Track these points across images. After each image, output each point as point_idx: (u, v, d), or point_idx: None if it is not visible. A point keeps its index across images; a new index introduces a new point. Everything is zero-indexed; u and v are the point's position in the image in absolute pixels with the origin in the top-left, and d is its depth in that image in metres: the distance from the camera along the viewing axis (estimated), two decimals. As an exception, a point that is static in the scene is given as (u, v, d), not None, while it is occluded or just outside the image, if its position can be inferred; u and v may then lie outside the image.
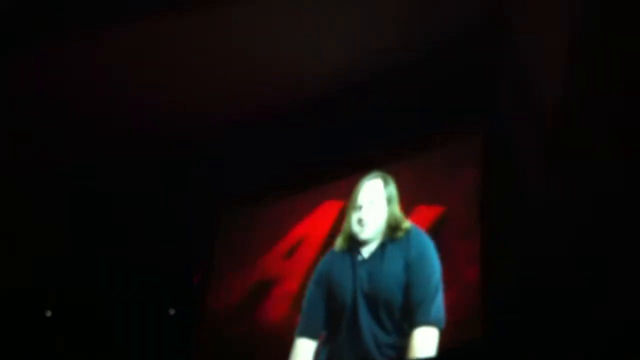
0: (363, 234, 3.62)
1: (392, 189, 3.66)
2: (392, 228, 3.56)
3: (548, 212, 3.39)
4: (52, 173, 4.53)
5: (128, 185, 4.57)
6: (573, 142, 3.12)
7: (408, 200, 3.65)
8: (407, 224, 3.55)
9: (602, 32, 2.71)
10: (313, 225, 3.94)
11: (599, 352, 3.26)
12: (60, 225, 4.75)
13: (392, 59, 3.70)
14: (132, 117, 4.25)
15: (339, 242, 3.70)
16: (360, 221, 3.64)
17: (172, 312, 4.47)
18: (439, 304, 3.29)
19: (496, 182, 3.50)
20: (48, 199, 4.66)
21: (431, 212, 3.58)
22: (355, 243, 3.63)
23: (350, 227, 3.67)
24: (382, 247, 3.56)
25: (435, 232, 3.51)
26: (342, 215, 3.79)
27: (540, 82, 3.16)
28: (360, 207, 3.69)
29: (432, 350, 3.23)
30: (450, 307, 3.28)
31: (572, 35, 2.79)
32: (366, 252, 3.59)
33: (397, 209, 3.62)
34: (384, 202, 3.65)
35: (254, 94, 4.03)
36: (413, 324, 3.31)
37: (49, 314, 4.69)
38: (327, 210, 3.92)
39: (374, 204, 3.67)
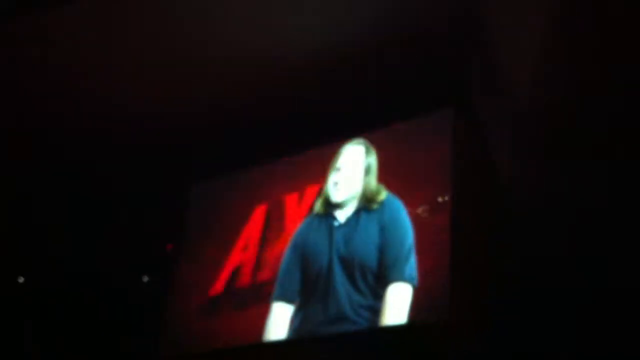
0: (335, 196, 3.65)
1: (373, 159, 3.66)
2: (368, 199, 3.57)
3: (548, 212, 3.40)
4: (52, 173, 4.54)
5: (128, 185, 4.59)
6: (573, 142, 3.13)
7: (384, 173, 3.63)
8: (382, 196, 3.56)
9: (600, 32, 2.71)
10: (251, 229, 3.99)
11: (598, 352, 3.27)
12: (60, 225, 4.77)
13: (372, 38, 3.68)
14: (132, 117, 4.26)
15: (317, 205, 3.73)
16: (335, 184, 3.68)
17: (145, 279, 4.63)
18: (412, 265, 3.29)
19: (467, 161, 3.50)
20: (48, 198, 4.67)
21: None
22: (330, 206, 3.65)
23: (327, 189, 3.71)
24: (357, 213, 3.57)
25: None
26: (269, 218, 3.92)
27: (520, 80, 3.16)
28: (338, 169, 3.73)
29: (406, 306, 3.22)
30: (420, 274, 3.27)
31: (567, 34, 2.79)
32: (342, 216, 3.60)
33: (374, 181, 3.61)
34: (361, 169, 3.66)
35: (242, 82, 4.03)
36: (387, 282, 3.31)
37: (21, 280, 4.76)
38: (259, 214, 4.00)
39: (351, 169, 3.69)
